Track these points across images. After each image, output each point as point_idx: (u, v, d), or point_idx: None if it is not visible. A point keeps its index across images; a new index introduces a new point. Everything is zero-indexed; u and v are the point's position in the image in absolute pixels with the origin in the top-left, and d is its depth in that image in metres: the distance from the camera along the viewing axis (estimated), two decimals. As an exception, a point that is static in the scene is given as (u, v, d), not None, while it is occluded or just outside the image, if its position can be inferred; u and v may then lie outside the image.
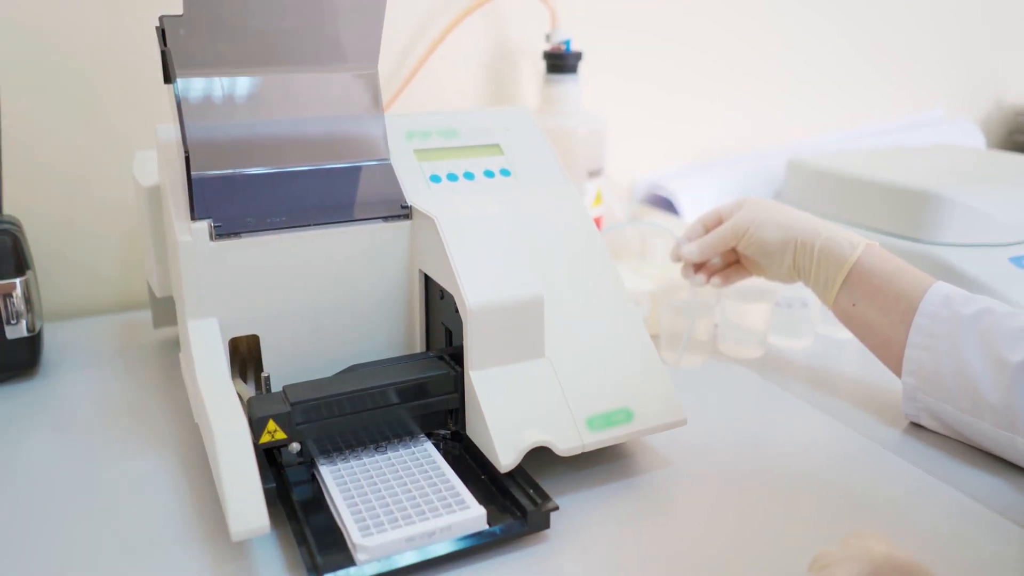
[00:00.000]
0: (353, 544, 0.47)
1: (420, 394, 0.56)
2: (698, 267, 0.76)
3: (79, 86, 0.84)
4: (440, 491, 0.52)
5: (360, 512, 0.50)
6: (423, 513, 0.50)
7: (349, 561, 0.47)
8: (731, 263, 0.76)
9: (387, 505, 0.50)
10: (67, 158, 0.86)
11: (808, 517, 0.54)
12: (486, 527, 0.50)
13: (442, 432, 0.59)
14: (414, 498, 0.51)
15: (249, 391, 0.59)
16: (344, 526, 0.49)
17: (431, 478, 0.54)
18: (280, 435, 0.51)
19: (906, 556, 0.41)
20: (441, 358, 0.59)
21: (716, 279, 0.75)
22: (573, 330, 0.59)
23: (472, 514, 0.49)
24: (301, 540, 0.48)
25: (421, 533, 0.48)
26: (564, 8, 1.00)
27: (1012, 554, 0.50)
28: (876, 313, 0.64)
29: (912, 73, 1.39)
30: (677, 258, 0.76)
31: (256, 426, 0.50)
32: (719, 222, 0.74)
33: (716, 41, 1.18)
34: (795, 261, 0.69)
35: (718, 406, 0.69)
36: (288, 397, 0.52)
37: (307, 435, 0.53)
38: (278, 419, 0.51)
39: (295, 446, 0.53)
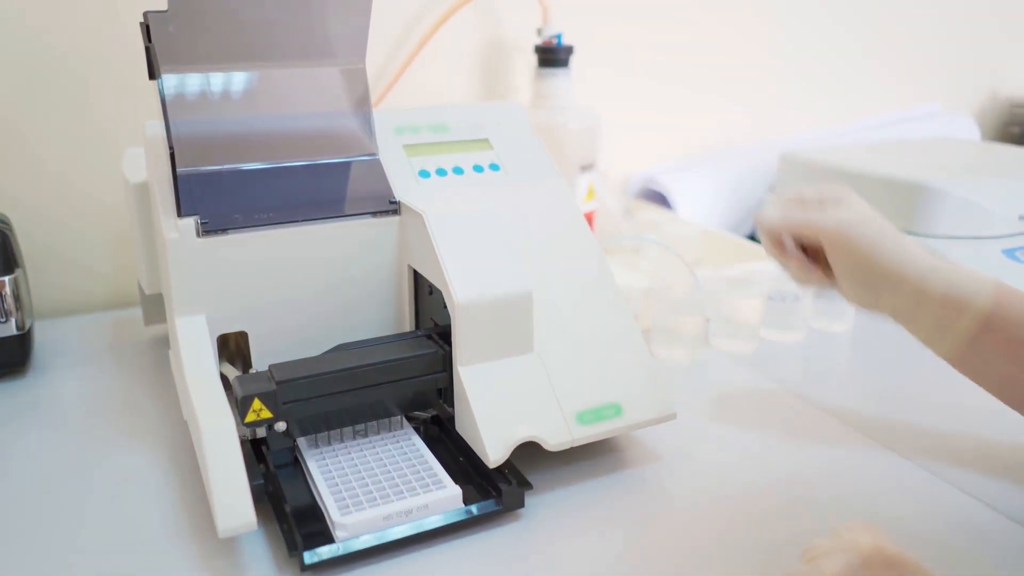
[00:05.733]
0: (332, 522, 0.49)
1: (409, 373, 0.56)
2: (780, 244, 0.60)
3: (69, 82, 0.84)
4: (418, 471, 0.53)
5: (340, 492, 0.51)
6: (401, 492, 0.51)
7: (328, 539, 0.48)
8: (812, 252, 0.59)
9: (366, 485, 0.52)
10: (57, 155, 0.85)
11: (798, 511, 0.54)
12: (462, 506, 0.51)
13: (423, 416, 0.60)
14: (392, 478, 0.53)
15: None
16: (324, 506, 0.50)
17: (410, 460, 0.55)
18: (266, 414, 0.51)
19: (895, 548, 0.41)
20: (430, 337, 0.59)
21: (798, 268, 0.60)
22: (563, 325, 0.59)
23: (448, 493, 0.51)
24: (282, 519, 0.50)
25: (398, 511, 0.49)
26: (555, 2, 1.00)
27: (1011, 549, 0.50)
28: (1019, 368, 0.51)
29: (908, 66, 1.38)
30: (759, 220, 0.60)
31: (241, 405, 0.50)
32: (816, 202, 0.58)
33: (710, 34, 1.18)
34: (895, 306, 0.55)
35: (709, 400, 0.69)
36: (274, 376, 0.52)
37: (293, 414, 0.53)
38: (263, 398, 0.51)
39: (281, 425, 0.53)
